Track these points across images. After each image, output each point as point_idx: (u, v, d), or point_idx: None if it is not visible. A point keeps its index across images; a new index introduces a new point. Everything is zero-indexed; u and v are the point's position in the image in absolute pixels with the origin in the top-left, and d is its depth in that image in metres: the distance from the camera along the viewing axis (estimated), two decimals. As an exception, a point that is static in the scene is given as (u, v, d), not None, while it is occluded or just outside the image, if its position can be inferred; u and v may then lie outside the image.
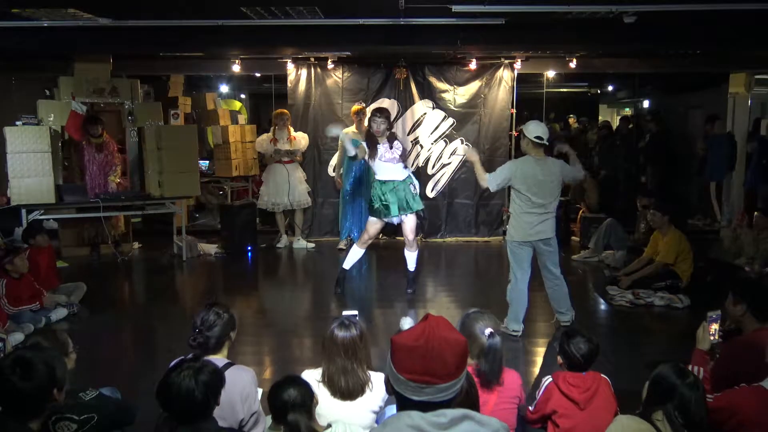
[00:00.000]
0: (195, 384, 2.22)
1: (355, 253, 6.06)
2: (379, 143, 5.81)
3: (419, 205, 5.92)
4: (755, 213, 7.00)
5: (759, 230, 6.66)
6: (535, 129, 4.88)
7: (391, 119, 6.14)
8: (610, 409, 2.88)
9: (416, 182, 6.03)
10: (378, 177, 5.89)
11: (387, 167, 5.82)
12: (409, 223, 5.91)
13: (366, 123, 6.26)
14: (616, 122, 13.33)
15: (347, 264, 6.10)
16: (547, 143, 4.95)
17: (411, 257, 6.08)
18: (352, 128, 7.87)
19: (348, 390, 2.76)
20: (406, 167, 5.99)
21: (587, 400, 2.87)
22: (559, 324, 5.11)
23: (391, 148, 5.80)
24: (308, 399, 2.45)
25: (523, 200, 4.91)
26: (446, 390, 1.60)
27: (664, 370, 2.50)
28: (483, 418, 1.63)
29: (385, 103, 8.44)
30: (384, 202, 5.80)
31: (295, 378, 2.54)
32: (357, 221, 8.06)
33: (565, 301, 5.11)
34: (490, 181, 5.02)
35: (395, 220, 5.92)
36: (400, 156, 5.86)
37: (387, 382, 1.68)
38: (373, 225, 5.96)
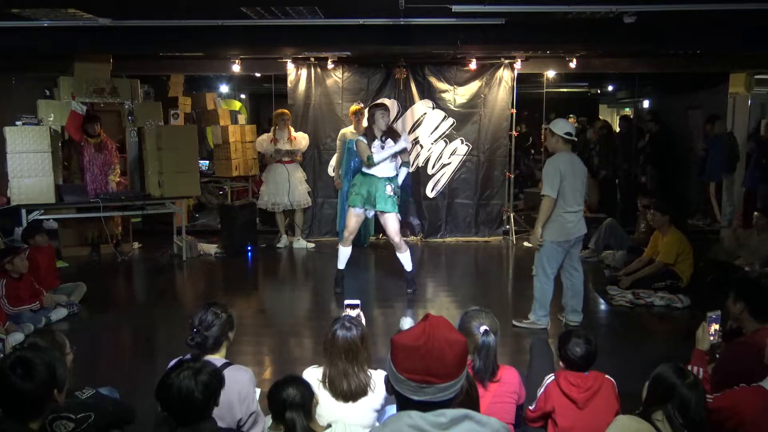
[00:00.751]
0: (194, 384, 2.22)
1: (343, 252, 6.08)
2: (376, 138, 5.81)
3: (389, 207, 5.82)
4: (755, 213, 6.98)
5: (759, 230, 6.65)
6: (564, 126, 5.03)
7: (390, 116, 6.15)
8: (610, 410, 2.88)
9: (398, 182, 5.95)
10: (363, 168, 5.95)
11: (377, 168, 5.82)
12: (389, 225, 5.88)
13: (366, 119, 6.24)
14: (616, 122, 13.33)
15: (341, 264, 6.12)
16: (575, 139, 5.10)
17: (404, 258, 6.06)
18: (351, 128, 7.88)
19: (351, 392, 2.76)
20: (396, 166, 5.96)
21: (586, 400, 2.87)
22: (568, 325, 5.14)
23: (382, 148, 5.79)
24: (308, 399, 2.44)
25: (566, 198, 4.93)
26: (446, 390, 1.60)
27: (664, 370, 2.49)
28: (483, 419, 1.63)
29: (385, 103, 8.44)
30: (354, 192, 5.89)
31: (296, 378, 2.54)
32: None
33: (582, 297, 5.27)
34: (548, 192, 4.93)
35: (358, 210, 5.93)
36: (393, 155, 5.84)
37: (387, 382, 1.68)
38: (351, 218, 5.97)
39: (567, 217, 4.96)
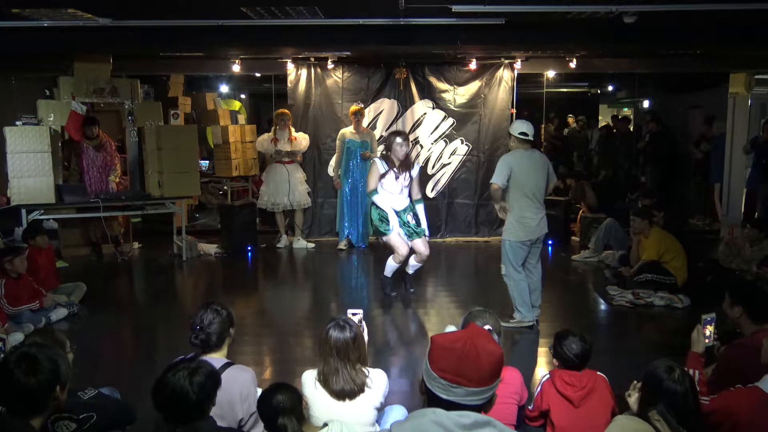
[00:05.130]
0: (189, 385, 2.24)
1: (391, 266, 5.91)
2: (395, 168, 5.72)
3: (420, 232, 5.79)
4: (747, 225, 6.95)
5: (751, 241, 6.63)
6: (518, 126, 5.16)
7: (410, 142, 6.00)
8: (606, 408, 2.89)
9: (419, 213, 5.88)
10: (375, 200, 5.77)
11: (389, 197, 5.75)
12: (421, 247, 5.78)
13: (365, 132, 6.11)
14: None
15: (388, 271, 5.95)
16: (531, 138, 5.13)
17: (414, 265, 5.98)
18: (350, 128, 7.89)
19: (344, 392, 2.77)
20: (409, 197, 5.88)
21: (581, 398, 2.88)
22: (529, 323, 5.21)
23: (396, 179, 5.72)
24: (297, 402, 2.44)
25: (521, 196, 5.06)
26: (475, 395, 1.64)
27: (654, 367, 2.50)
28: (505, 429, 1.66)
29: (385, 103, 8.46)
30: (384, 219, 5.72)
31: (282, 384, 2.53)
32: (354, 223, 8.06)
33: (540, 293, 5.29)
34: (494, 180, 5.08)
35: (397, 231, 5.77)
36: (408, 185, 5.78)
37: (421, 382, 1.73)
38: (396, 238, 5.70)
39: (527, 214, 5.08)
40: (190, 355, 2.88)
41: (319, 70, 8.49)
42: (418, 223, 5.87)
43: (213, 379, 2.35)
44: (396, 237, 5.72)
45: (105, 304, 6.01)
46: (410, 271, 6.07)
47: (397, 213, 5.76)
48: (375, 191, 5.74)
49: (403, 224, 5.76)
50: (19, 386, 2.19)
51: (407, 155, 5.82)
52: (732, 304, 3.28)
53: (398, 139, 5.74)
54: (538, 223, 5.10)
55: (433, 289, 6.64)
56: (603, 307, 5.94)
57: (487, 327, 2.74)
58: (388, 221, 5.70)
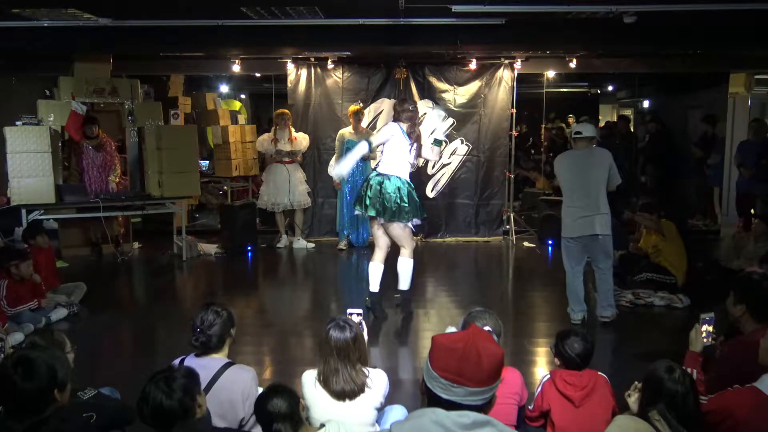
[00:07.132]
0: (169, 397, 2.26)
1: (411, 268, 5.44)
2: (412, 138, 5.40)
3: (398, 217, 5.13)
4: (755, 219, 6.93)
5: (756, 237, 6.62)
6: (575, 126, 5.35)
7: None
8: (606, 408, 2.90)
9: (409, 190, 5.26)
10: (381, 169, 5.27)
11: (405, 165, 5.28)
12: (393, 231, 5.31)
13: (393, 115, 5.61)
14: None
15: (373, 286, 5.46)
16: (586, 136, 5.12)
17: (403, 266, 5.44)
18: (349, 129, 7.89)
19: (343, 392, 2.77)
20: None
21: (582, 398, 2.88)
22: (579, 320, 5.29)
23: (412, 146, 5.34)
24: (294, 406, 2.43)
25: (565, 194, 5.20)
26: (476, 395, 1.64)
27: (654, 367, 2.50)
28: (505, 428, 1.66)
29: (385, 103, 8.45)
30: (364, 193, 5.20)
31: (279, 387, 2.51)
32: (354, 223, 8.05)
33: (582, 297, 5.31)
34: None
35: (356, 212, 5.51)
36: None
37: (421, 382, 1.74)
38: (374, 228, 5.39)
39: (567, 212, 5.17)
40: (187, 356, 2.89)
41: (319, 70, 8.48)
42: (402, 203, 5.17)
43: (190, 378, 2.36)
44: (372, 224, 5.44)
45: (105, 304, 6.01)
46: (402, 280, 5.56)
47: (387, 182, 5.18)
48: (371, 143, 5.49)
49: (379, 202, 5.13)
50: (16, 390, 2.19)
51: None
52: (736, 302, 3.28)
53: (411, 107, 5.38)
54: (576, 221, 5.09)
55: (433, 289, 6.64)
56: (603, 307, 5.93)
57: (486, 328, 2.74)
58: (361, 202, 5.22)
